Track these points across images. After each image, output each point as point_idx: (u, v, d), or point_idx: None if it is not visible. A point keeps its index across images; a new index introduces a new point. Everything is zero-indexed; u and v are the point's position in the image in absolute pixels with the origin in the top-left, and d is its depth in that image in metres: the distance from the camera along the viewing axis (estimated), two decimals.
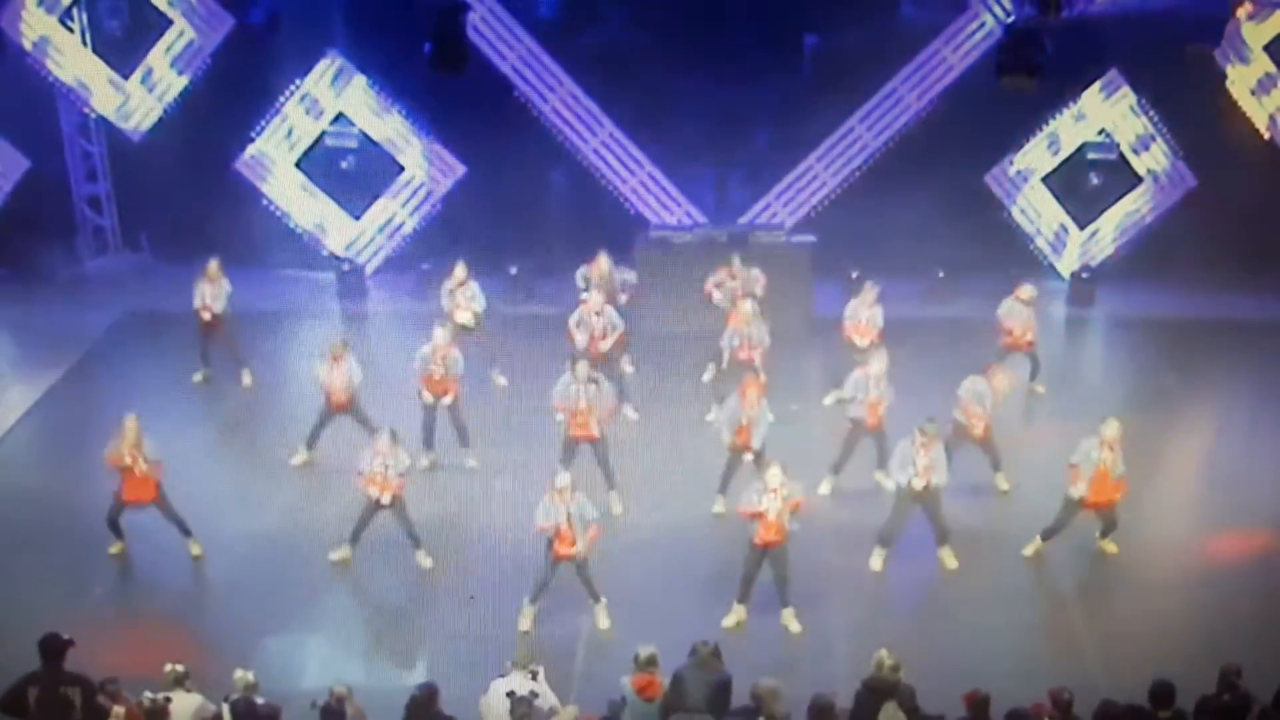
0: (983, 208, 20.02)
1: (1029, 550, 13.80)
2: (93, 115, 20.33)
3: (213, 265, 16.99)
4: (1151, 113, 19.78)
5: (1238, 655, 10.33)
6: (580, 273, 17.37)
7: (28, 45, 19.44)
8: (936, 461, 13.15)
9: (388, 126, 20.01)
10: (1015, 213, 20.31)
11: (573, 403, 14.32)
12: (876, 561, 13.62)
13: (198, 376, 17.35)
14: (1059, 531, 13.64)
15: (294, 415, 16.30)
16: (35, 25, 19.43)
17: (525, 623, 12.61)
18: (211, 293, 16.89)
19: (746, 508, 12.45)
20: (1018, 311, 16.55)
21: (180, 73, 19.67)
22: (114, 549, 13.77)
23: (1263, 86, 19.54)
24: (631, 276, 17.88)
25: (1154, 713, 9.71)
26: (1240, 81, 19.48)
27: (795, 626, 12.66)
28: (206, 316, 16.96)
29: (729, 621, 12.63)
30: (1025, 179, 20.15)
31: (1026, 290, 16.60)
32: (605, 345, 16.06)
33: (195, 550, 13.80)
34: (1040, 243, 20.45)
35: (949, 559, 13.60)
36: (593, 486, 13.98)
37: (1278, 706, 9.92)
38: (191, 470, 14.57)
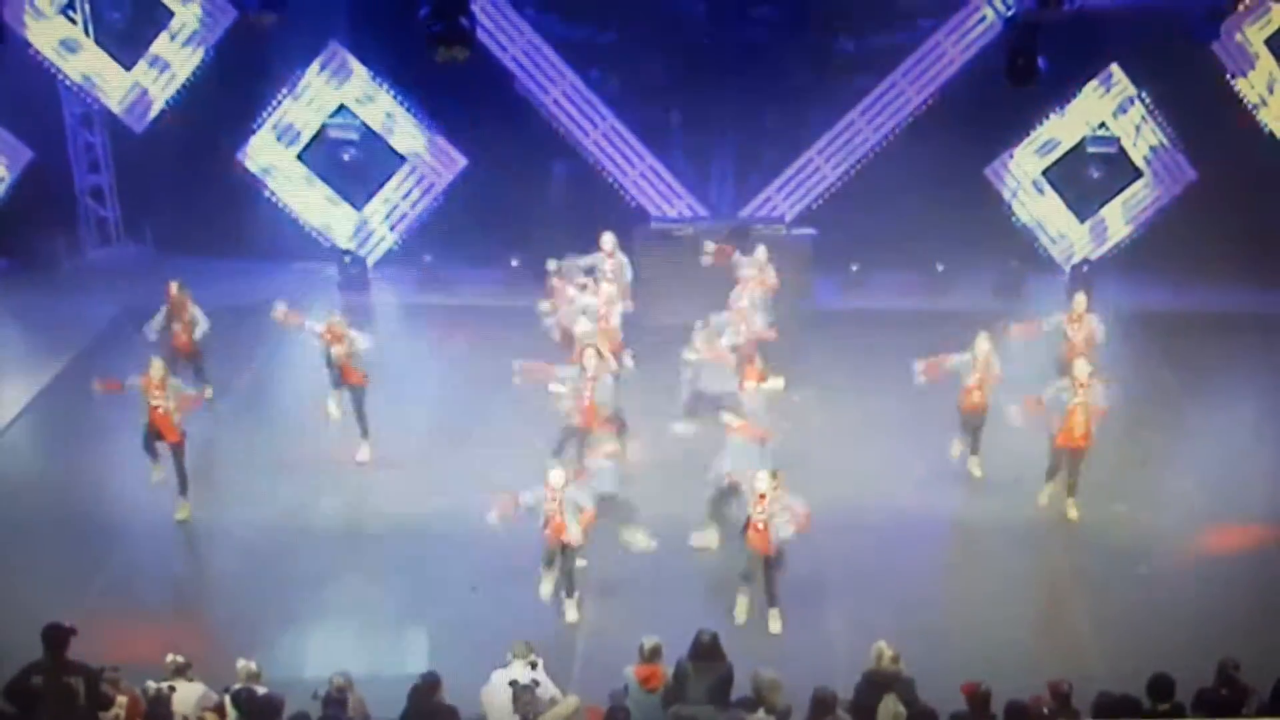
0: (982, 201, 20.03)
1: (1043, 499, 14.34)
2: (97, 107, 20.32)
3: (174, 289, 15.89)
4: (1151, 107, 19.79)
5: (1236, 649, 10.38)
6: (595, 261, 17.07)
7: (40, 45, 19.36)
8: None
9: (389, 118, 20.01)
10: (1015, 206, 20.32)
11: (579, 396, 14.35)
12: (702, 538, 13.65)
13: (156, 475, 14.35)
14: (1055, 472, 14.21)
15: (297, 408, 16.35)
16: (41, 21, 19.38)
17: (544, 593, 12.73)
18: (185, 321, 15.87)
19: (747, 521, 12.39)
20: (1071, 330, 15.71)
21: (185, 63, 19.65)
22: (156, 474, 14.00)
23: (1269, 87, 19.53)
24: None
25: (1152, 705, 9.74)
26: (1249, 90, 19.46)
27: (775, 626, 12.65)
28: (184, 347, 15.96)
29: (739, 616, 12.67)
30: (1025, 172, 20.17)
31: (1078, 303, 15.83)
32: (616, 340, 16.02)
33: (182, 514, 13.95)
34: (1040, 236, 20.47)
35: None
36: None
37: (1276, 700, 9.97)
38: (194, 460, 14.59)
